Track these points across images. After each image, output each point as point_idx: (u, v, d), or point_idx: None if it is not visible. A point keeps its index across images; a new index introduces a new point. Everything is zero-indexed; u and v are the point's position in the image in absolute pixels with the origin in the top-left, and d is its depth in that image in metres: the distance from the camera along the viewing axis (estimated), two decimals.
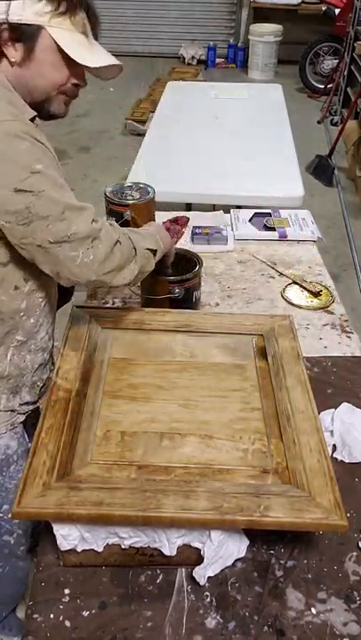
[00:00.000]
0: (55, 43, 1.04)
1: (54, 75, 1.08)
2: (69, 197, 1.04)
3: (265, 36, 6.55)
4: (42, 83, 1.08)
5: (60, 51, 1.05)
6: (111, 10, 7.03)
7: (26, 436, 1.29)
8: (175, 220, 1.88)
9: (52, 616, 0.89)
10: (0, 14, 1.01)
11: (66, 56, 1.05)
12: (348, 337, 1.52)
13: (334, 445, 1.17)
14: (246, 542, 0.95)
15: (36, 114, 1.10)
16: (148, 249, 1.20)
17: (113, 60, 1.10)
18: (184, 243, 1.82)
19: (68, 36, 1.05)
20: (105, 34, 1.06)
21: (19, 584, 1.42)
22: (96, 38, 1.11)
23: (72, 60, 1.05)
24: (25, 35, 1.03)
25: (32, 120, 1.08)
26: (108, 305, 1.59)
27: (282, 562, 0.96)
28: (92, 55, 1.08)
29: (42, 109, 1.12)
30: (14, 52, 1.04)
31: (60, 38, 1.04)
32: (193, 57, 7.08)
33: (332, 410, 1.22)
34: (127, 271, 1.13)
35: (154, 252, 1.22)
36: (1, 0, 1.02)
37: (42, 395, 1.28)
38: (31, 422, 1.33)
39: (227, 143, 2.70)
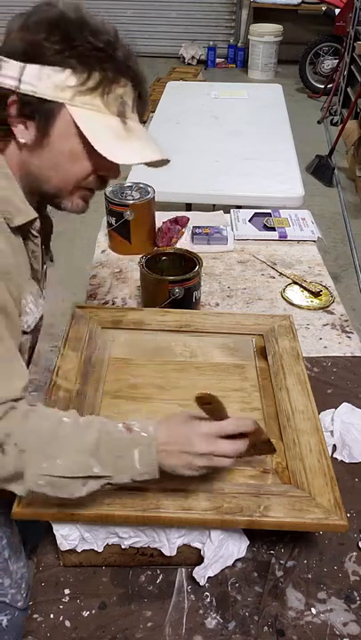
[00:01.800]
0: (76, 127, 0.82)
1: (72, 167, 0.86)
2: None
3: (265, 35, 6.56)
4: (54, 175, 0.87)
5: (83, 136, 0.83)
6: (111, 10, 7.04)
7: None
8: (175, 220, 1.89)
9: (52, 616, 0.89)
10: (10, 80, 0.81)
11: (90, 143, 0.83)
12: (348, 337, 1.52)
13: (334, 445, 1.17)
14: (246, 542, 0.95)
15: (36, 216, 0.90)
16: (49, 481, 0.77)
17: (152, 155, 0.87)
18: (184, 242, 1.83)
19: (95, 119, 0.83)
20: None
21: None
22: (141, 116, 0.89)
23: None
24: (39, 112, 0.82)
25: (31, 223, 0.90)
26: (108, 305, 1.59)
27: (282, 562, 0.96)
28: (126, 146, 0.84)
29: (52, 203, 0.94)
30: (25, 132, 0.84)
31: (83, 122, 0.82)
32: (193, 57, 7.09)
33: (333, 410, 1.22)
34: (13, 486, 0.79)
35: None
36: (14, 60, 0.81)
37: None
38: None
39: (227, 143, 2.70)
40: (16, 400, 0.79)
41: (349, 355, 1.45)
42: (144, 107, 0.90)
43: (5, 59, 0.82)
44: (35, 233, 0.94)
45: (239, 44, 7.18)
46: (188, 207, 2.43)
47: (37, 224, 0.93)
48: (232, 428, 0.83)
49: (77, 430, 0.79)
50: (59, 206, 0.93)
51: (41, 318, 1.03)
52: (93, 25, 0.83)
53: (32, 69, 0.80)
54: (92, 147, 0.83)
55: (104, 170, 0.89)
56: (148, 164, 0.90)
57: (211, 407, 0.84)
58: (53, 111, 0.82)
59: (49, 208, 1.02)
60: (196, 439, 0.81)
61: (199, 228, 1.87)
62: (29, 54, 0.81)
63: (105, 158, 0.84)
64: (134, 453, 0.79)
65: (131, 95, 0.86)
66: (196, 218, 1.98)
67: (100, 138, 0.83)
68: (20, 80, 0.81)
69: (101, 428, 0.81)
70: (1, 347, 0.78)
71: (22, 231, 0.92)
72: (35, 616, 0.89)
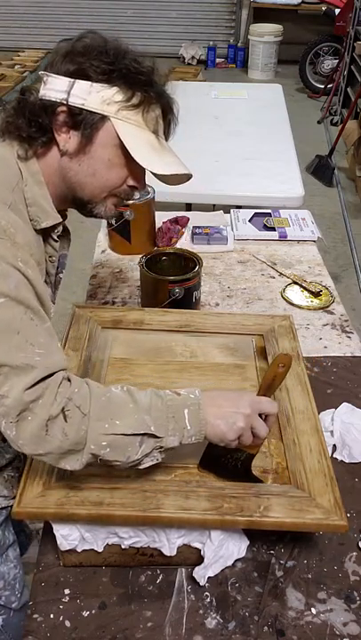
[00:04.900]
0: (118, 138, 0.90)
1: (108, 175, 0.94)
2: (20, 350, 0.78)
3: (265, 35, 6.56)
4: (91, 182, 0.94)
5: (122, 147, 0.91)
6: (111, 10, 7.05)
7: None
8: (175, 220, 1.89)
9: (52, 616, 0.89)
10: (60, 92, 0.89)
11: (127, 155, 0.91)
12: (348, 337, 1.52)
13: (334, 445, 1.17)
14: (246, 542, 0.95)
15: (60, 220, 0.97)
16: (106, 441, 0.80)
17: (182, 169, 0.96)
18: (184, 242, 1.83)
19: (135, 132, 0.91)
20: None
21: None
22: (167, 138, 0.99)
23: (133, 160, 0.91)
24: (85, 123, 0.89)
25: (54, 227, 0.97)
26: (108, 305, 1.59)
27: (282, 562, 0.96)
28: (161, 159, 0.93)
29: (83, 209, 0.99)
30: (67, 140, 0.91)
31: (125, 134, 0.90)
32: (193, 57, 7.09)
33: (333, 410, 1.22)
34: (71, 460, 0.81)
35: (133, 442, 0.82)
36: (64, 76, 0.90)
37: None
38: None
39: (227, 143, 2.70)
40: (65, 370, 0.84)
41: (349, 355, 1.45)
42: (170, 132, 1.00)
43: (53, 74, 0.91)
44: (55, 237, 1.00)
45: (239, 44, 7.18)
46: (188, 207, 2.43)
47: (60, 229, 1.00)
48: (274, 408, 0.92)
49: (129, 394, 0.85)
50: (91, 212, 0.99)
51: None
52: (134, 53, 0.93)
53: (81, 85, 0.89)
54: (129, 157, 0.91)
55: (135, 180, 0.97)
56: (170, 182, 0.99)
57: (281, 372, 0.95)
58: (98, 122, 0.90)
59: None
60: (246, 402, 0.89)
61: (199, 228, 1.87)
62: (79, 72, 0.89)
63: (138, 168, 0.94)
64: (184, 413, 0.85)
65: (162, 118, 0.96)
66: (196, 218, 1.98)
67: (138, 149, 0.91)
68: (69, 93, 0.89)
69: (152, 393, 0.86)
70: (45, 328, 0.83)
71: (44, 234, 0.98)
72: (35, 616, 0.89)
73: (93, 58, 0.89)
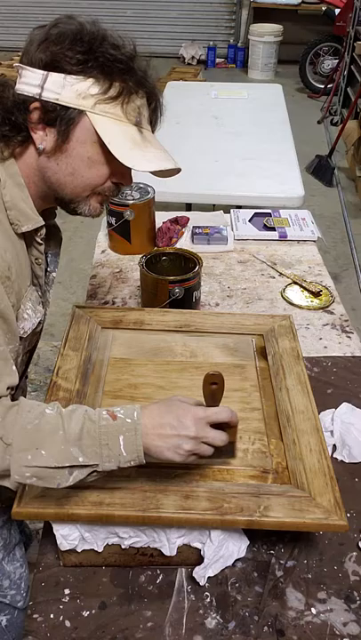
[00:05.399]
0: (96, 134, 0.85)
1: (89, 173, 0.88)
2: None
3: (265, 35, 6.56)
4: (71, 181, 0.89)
5: (101, 144, 0.86)
6: (111, 10, 7.05)
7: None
8: (175, 220, 1.89)
9: (52, 616, 0.89)
10: (33, 87, 0.84)
11: (107, 151, 0.86)
12: (348, 337, 1.52)
13: (334, 445, 1.17)
14: (246, 542, 0.95)
15: (42, 224, 0.93)
16: (28, 473, 0.77)
17: (168, 163, 0.89)
18: (184, 242, 1.83)
19: (114, 127, 0.85)
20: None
21: None
22: (154, 127, 0.93)
23: (114, 156, 0.85)
24: (60, 119, 0.84)
25: (37, 230, 0.93)
26: (108, 305, 1.59)
27: (282, 562, 0.96)
28: (144, 154, 0.87)
29: (67, 208, 0.95)
30: (44, 138, 0.86)
31: (103, 129, 0.84)
32: (193, 57, 7.09)
33: (333, 410, 1.22)
34: (4, 482, 0.80)
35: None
36: (37, 69, 0.84)
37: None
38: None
39: (227, 143, 2.70)
40: (3, 397, 0.81)
41: (349, 355, 1.45)
42: (157, 120, 0.93)
43: (27, 67, 0.86)
44: (39, 240, 0.96)
45: (239, 44, 7.19)
46: (188, 207, 2.43)
47: (43, 231, 0.96)
48: (225, 415, 0.85)
49: (60, 421, 0.79)
50: (75, 211, 0.95)
51: (40, 323, 1.06)
52: (113, 38, 0.87)
53: (55, 78, 0.83)
54: (110, 153, 0.85)
55: (119, 176, 0.92)
56: (159, 175, 0.93)
57: (215, 389, 0.86)
58: (74, 118, 0.84)
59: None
60: (189, 422, 0.81)
61: (199, 227, 1.87)
62: (53, 64, 0.84)
63: (121, 165, 0.87)
64: (119, 440, 0.79)
65: (146, 107, 0.90)
66: (196, 218, 1.98)
67: (119, 145, 0.85)
68: (42, 87, 0.83)
69: (85, 417, 0.80)
70: None
71: (27, 238, 0.94)
72: (35, 616, 0.89)
73: (67, 47, 0.83)
